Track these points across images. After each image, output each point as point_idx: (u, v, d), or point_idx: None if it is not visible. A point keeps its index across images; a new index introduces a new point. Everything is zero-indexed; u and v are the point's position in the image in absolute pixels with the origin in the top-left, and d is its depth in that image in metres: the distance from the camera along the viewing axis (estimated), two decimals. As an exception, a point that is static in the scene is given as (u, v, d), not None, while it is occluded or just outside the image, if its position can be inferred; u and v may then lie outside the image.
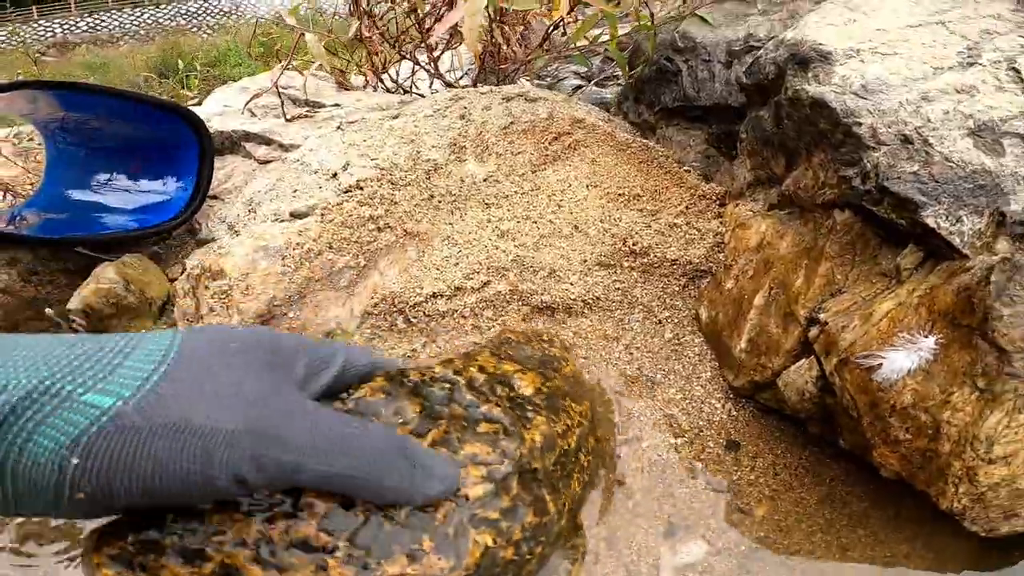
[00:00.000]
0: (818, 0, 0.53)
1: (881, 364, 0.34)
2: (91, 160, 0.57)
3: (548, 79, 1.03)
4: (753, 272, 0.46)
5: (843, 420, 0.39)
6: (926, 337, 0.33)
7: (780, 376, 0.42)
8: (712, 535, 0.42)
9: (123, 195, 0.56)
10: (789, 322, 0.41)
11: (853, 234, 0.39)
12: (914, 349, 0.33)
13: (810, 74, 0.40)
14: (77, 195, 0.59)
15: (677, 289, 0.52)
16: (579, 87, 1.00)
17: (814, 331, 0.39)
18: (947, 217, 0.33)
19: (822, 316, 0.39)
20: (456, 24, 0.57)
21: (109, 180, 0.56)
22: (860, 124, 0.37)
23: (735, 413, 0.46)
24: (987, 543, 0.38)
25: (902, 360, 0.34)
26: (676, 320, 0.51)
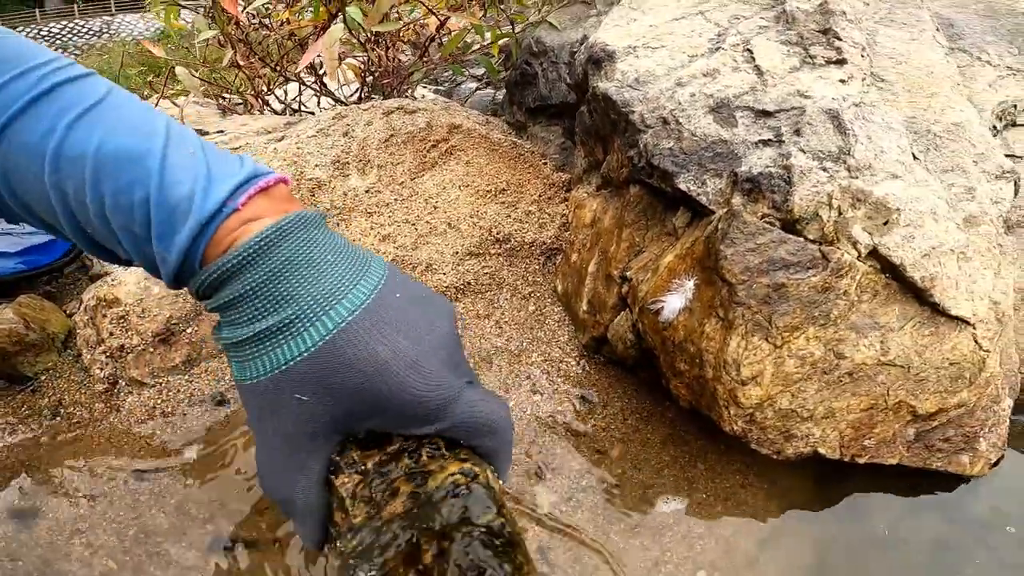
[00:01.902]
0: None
1: (663, 307, 0.42)
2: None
3: (447, 84, 1.09)
4: (589, 245, 0.53)
5: (655, 361, 0.46)
6: (689, 280, 0.41)
7: (608, 329, 0.49)
8: (576, 475, 0.49)
9: (5, 239, 0.59)
10: (610, 283, 0.49)
11: (644, 203, 0.46)
12: (682, 291, 0.41)
13: (602, 72, 0.48)
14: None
15: (537, 267, 0.59)
16: (474, 90, 1.07)
17: (625, 287, 0.47)
18: (695, 181, 0.41)
19: (628, 274, 0.46)
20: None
21: None
22: (633, 112, 0.44)
23: (588, 368, 0.54)
24: (826, 475, 0.44)
25: (675, 301, 0.41)
26: (538, 294, 0.58)
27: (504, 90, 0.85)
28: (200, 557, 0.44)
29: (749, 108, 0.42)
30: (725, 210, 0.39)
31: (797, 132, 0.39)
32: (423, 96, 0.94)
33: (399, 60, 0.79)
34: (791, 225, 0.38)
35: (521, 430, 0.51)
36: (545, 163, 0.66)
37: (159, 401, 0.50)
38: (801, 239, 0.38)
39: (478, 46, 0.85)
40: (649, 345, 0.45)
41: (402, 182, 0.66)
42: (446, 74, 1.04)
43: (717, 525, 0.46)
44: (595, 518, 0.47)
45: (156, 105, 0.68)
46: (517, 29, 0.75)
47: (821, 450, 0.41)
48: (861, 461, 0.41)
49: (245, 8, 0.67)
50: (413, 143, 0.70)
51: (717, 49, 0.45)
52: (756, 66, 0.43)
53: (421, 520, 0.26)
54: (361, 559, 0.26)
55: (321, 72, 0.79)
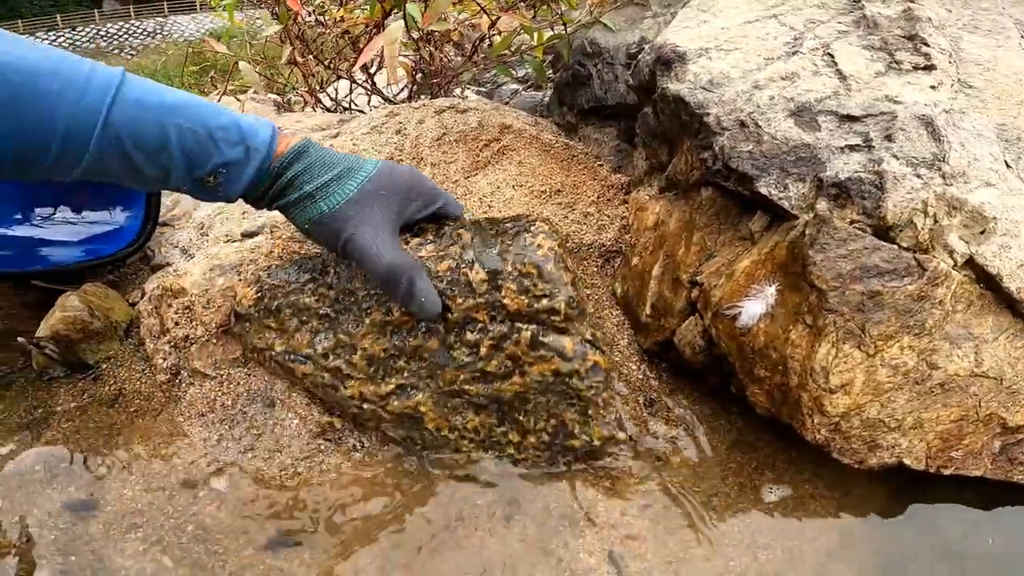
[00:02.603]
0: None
1: (740, 312, 0.41)
2: (30, 195, 0.60)
3: (488, 85, 1.09)
4: (652, 248, 0.53)
5: (727, 367, 0.46)
6: (770, 286, 0.40)
7: (675, 333, 0.49)
8: (637, 482, 0.48)
9: (68, 227, 0.59)
10: (678, 287, 0.48)
11: (717, 207, 0.46)
12: (762, 297, 0.40)
13: (672, 73, 0.47)
14: (19, 231, 0.60)
15: (595, 269, 0.59)
16: (517, 91, 1.07)
17: (695, 292, 0.46)
18: (776, 185, 0.40)
19: (699, 278, 0.45)
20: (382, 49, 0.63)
21: (53, 214, 0.59)
22: (708, 114, 0.44)
23: (649, 373, 0.53)
24: (899, 487, 0.43)
25: (754, 307, 0.40)
26: (596, 297, 0.58)
27: (551, 92, 0.85)
28: (258, 556, 0.43)
29: (832, 112, 0.41)
30: (813, 215, 0.38)
31: (888, 138, 0.39)
32: (466, 97, 0.95)
33: (448, 59, 0.79)
34: (883, 232, 0.37)
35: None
36: (600, 165, 0.65)
37: (219, 393, 0.50)
38: (895, 246, 0.37)
39: (524, 47, 0.85)
40: (722, 351, 0.44)
41: (456, 180, 0.66)
42: (487, 75, 1.05)
43: (783, 535, 0.45)
44: (655, 527, 0.46)
45: (219, 100, 0.68)
46: (568, 30, 0.75)
47: (906, 461, 0.39)
48: (946, 473, 0.40)
49: (309, 8, 0.68)
50: (465, 142, 0.69)
51: (795, 53, 0.44)
52: (838, 70, 0.42)
53: (486, 228, 0.46)
54: (483, 255, 0.43)
55: (373, 71, 0.79)
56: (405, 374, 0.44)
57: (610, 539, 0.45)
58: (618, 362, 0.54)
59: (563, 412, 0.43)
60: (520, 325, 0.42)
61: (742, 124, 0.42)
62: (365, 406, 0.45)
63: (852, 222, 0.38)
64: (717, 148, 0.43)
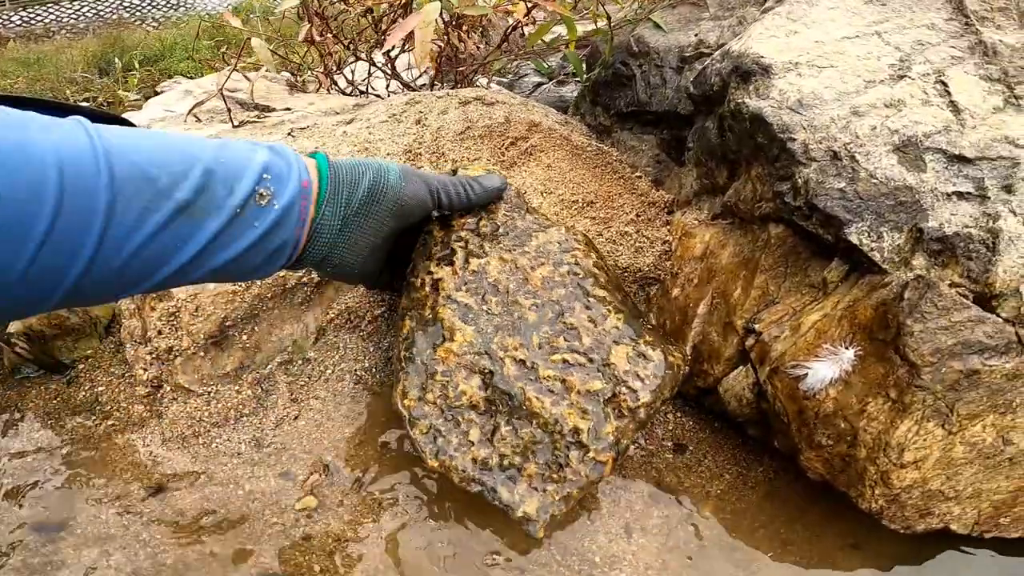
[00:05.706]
0: (763, 5, 0.53)
1: (807, 374, 0.36)
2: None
3: (509, 76, 1.02)
4: (697, 281, 0.47)
5: (776, 424, 0.41)
6: (847, 349, 0.35)
7: (721, 382, 0.43)
8: (664, 534, 0.44)
9: None
10: (729, 331, 0.43)
11: (786, 247, 0.40)
12: (835, 360, 0.35)
13: (751, 87, 0.41)
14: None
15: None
16: (539, 84, 1.00)
17: (750, 340, 0.41)
18: (869, 234, 0.35)
19: (757, 327, 0.40)
20: (411, 31, 0.56)
21: None
22: (794, 140, 0.38)
23: (682, 418, 0.48)
24: (915, 539, 0.41)
25: (825, 370, 0.35)
26: (628, 327, 0.52)
27: (579, 88, 0.78)
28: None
29: (941, 151, 0.35)
30: (915, 276, 0.32)
31: (1007, 188, 0.33)
32: (489, 87, 0.87)
33: (476, 47, 0.72)
34: (986, 300, 0.32)
35: (608, 484, 0.46)
36: (639, 176, 0.59)
37: (206, 413, 0.44)
38: (998, 318, 0.32)
39: (558, 39, 0.78)
40: (775, 409, 0.39)
41: (479, 182, 0.59)
42: (509, 66, 0.97)
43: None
44: (683, 572, 0.42)
45: (227, 79, 0.61)
46: (612, 25, 0.68)
47: (953, 527, 0.36)
48: (987, 537, 0.36)
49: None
50: (491, 138, 0.63)
51: (902, 77, 0.38)
52: (952, 102, 0.37)
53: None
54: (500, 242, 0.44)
55: (395, 54, 0.72)
56: None
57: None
58: (650, 403, 0.49)
59: None
60: None
61: (835, 156, 0.36)
62: None
63: (952, 285, 0.33)
64: (800, 181, 0.37)
